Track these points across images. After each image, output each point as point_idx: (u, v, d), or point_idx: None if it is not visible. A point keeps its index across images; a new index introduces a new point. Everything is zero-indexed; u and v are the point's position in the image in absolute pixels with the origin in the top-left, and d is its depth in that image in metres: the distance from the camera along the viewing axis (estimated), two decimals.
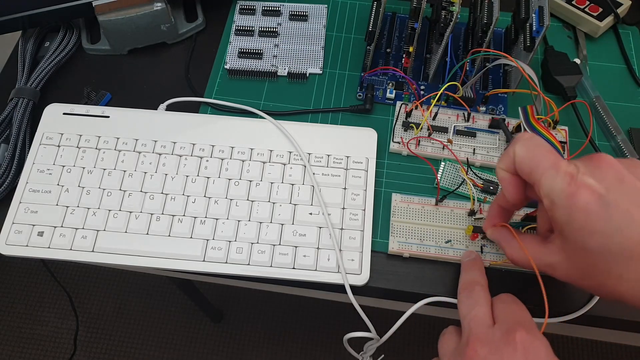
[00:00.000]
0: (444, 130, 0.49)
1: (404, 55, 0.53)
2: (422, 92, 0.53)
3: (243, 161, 0.48)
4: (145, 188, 0.47)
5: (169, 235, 0.45)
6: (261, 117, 0.51)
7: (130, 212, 0.45)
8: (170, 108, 0.52)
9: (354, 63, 0.56)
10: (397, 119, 0.50)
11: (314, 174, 0.47)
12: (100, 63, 0.57)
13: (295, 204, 0.46)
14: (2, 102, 0.53)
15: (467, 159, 0.48)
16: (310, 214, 0.45)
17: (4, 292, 1.25)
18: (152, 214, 0.45)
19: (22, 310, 1.23)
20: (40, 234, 0.45)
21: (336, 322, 1.19)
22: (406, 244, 0.44)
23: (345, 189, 0.46)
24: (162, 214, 0.46)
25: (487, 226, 0.40)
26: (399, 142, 0.49)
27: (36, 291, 1.25)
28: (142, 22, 0.53)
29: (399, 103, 0.51)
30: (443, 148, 0.49)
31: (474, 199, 0.45)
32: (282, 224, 0.45)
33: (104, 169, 0.47)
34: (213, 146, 0.48)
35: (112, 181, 0.47)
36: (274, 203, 0.46)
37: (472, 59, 0.50)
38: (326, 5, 0.59)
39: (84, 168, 0.47)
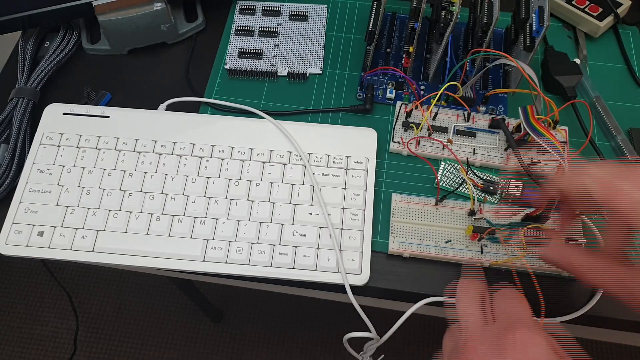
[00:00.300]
0: (444, 130, 0.49)
1: (404, 55, 0.53)
2: (422, 92, 0.53)
3: (243, 161, 0.48)
4: (145, 188, 0.47)
5: (169, 235, 0.45)
6: (261, 117, 0.51)
7: (130, 212, 0.45)
8: (170, 108, 0.52)
9: (354, 63, 0.56)
10: (397, 119, 0.50)
11: (314, 174, 0.47)
12: (100, 63, 0.57)
13: (295, 204, 0.46)
14: (2, 102, 0.53)
15: (467, 159, 0.48)
16: (310, 214, 0.45)
17: (4, 292, 1.25)
18: (152, 214, 0.45)
19: (22, 310, 1.23)
20: (40, 234, 0.45)
21: (336, 322, 1.19)
22: (406, 244, 0.44)
23: (345, 189, 0.46)
24: (162, 214, 0.46)
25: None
26: (399, 142, 0.49)
27: (36, 291, 1.25)
28: (142, 22, 0.53)
29: (399, 103, 0.51)
30: (443, 148, 0.49)
31: (474, 199, 0.45)
32: (282, 224, 0.45)
33: (104, 169, 0.47)
34: (213, 146, 0.48)
35: (112, 181, 0.47)
36: (274, 203, 0.46)
37: (472, 59, 0.50)
38: (326, 5, 0.59)
39: (84, 168, 0.47)
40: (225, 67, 0.55)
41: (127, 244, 0.44)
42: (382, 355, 0.50)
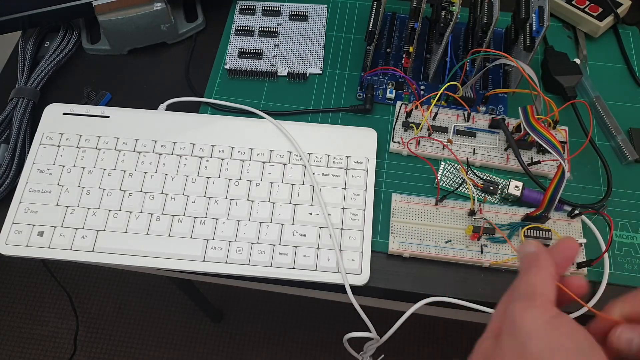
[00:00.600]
0: (444, 130, 0.49)
1: (404, 55, 0.53)
2: (422, 92, 0.53)
3: (243, 161, 0.48)
4: (145, 188, 0.47)
5: (169, 235, 0.45)
6: (261, 117, 0.51)
7: (130, 212, 0.45)
8: (170, 108, 0.52)
9: (354, 63, 0.56)
10: (397, 119, 0.50)
11: (314, 174, 0.47)
12: (100, 63, 0.57)
13: (295, 204, 0.46)
14: (2, 102, 0.53)
15: (467, 159, 0.48)
16: (310, 214, 0.45)
17: (4, 292, 1.25)
18: (152, 214, 0.45)
19: (22, 310, 1.23)
20: (40, 234, 0.45)
21: (336, 322, 1.19)
22: (406, 244, 0.44)
23: (345, 189, 0.46)
24: (162, 214, 0.46)
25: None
26: (399, 142, 0.49)
27: (36, 291, 1.25)
28: (142, 22, 0.53)
29: (399, 103, 0.51)
30: (443, 148, 0.49)
31: (474, 199, 0.45)
32: (282, 224, 0.45)
33: (104, 169, 0.47)
34: (213, 146, 0.48)
35: (112, 181, 0.47)
36: (274, 203, 0.46)
37: (472, 59, 0.50)
38: (326, 5, 0.59)
39: (84, 168, 0.47)
40: (225, 67, 0.55)
41: (127, 244, 0.44)
42: (382, 355, 0.50)
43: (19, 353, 1.18)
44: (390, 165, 0.49)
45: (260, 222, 0.45)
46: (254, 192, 0.46)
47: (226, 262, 0.44)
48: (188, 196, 0.46)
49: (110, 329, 1.20)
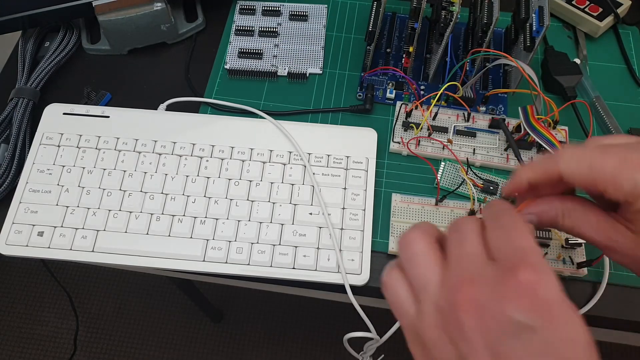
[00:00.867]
0: (444, 130, 0.49)
1: (404, 55, 0.53)
2: (422, 92, 0.53)
3: (243, 161, 0.48)
4: (145, 188, 0.47)
5: (169, 235, 0.45)
6: (261, 117, 0.51)
7: (130, 212, 0.45)
8: (170, 108, 0.52)
9: (354, 63, 0.56)
10: (397, 119, 0.50)
11: (314, 174, 0.47)
12: (100, 63, 0.57)
13: (295, 204, 0.46)
14: (2, 102, 0.53)
15: (467, 159, 0.48)
16: (310, 214, 0.45)
17: (4, 292, 1.25)
18: (152, 214, 0.45)
19: (22, 310, 1.23)
20: (40, 234, 0.45)
21: (336, 322, 1.19)
22: None
23: (345, 189, 0.46)
24: (162, 214, 0.46)
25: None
26: (399, 142, 0.49)
27: (36, 291, 1.25)
28: (142, 22, 0.53)
29: (399, 103, 0.51)
30: (443, 148, 0.49)
31: (474, 199, 0.45)
32: (282, 224, 0.45)
33: (104, 169, 0.47)
34: (213, 146, 0.48)
35: (112, 181, 0.47)
36: (274, 203, 0.46)
37: (472, 59, 0.50)
38: (326, 5, 0.59)
39: (84, 168, 0.47)
40: (225, 67, 0.55)
41: (127, 244, 0.44)
42: (382, 355, 0.50)
43: (19, 353, 1.18)
44: (390, 165, 0.49)
45: (260, 222, 0.45)
46: (254, 192, 0.46)
47: (226, 262, 0.44)
48: (188, 196, 0.46)
49: (110, 329, 1.20)
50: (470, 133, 0.49)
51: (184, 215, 0.45)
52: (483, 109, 0.52)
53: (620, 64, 0.56)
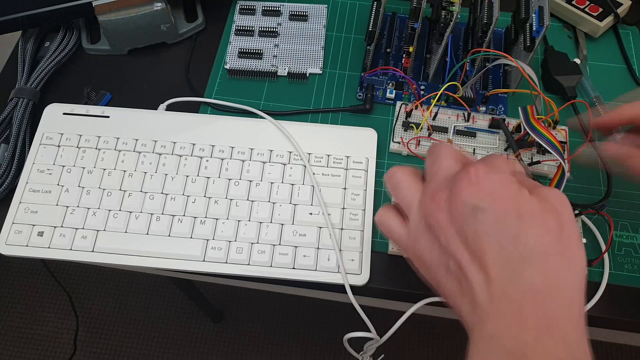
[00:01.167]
0: (444, 130, 0.49)
1: (404, 55, 0.53)
2: (422, 92, 0.53)
3: (243, 161, 0.48)
4: (145, 188, 0.47)
5: (169, 235, 0.45)
6: (261, 117, 0.51)
7: (130, 212, 0.45)
8: (170, 108, 0.52)
9: (354, 63, 0.56)
10: (397, 119, 0.50)
11: (314, 174, 0.47)
12: (100, 63, 0.57)
13: (295, 204, 0.46)
14: (2, 102, 0.53)
15: None
16: (310, 214, 0.45)
17: (4, 292, 1.25)
18: (152, 214, 0.45)
19: (22, 310, 1.23)
20: (40, 234, 0.45)
21: (336, 322, 1.19)
22: None
23: (345, 189, 0.46)
24: (162, 214, 0.46)
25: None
26: (399, 142, 0.49)
27: (36, 291, 1.25)
28: (142, 22, 0.53)
29: (399, 103, 0.51)
30: None
31: None
32: (282, 224, 0.45)
33: (104, 169, 0.47)
34: (213, 146, 0.48)
35: (112, 181, 0.47)
36: (274, 203, 0.46)
37: (472, 59, 0.50)
38: (326, 5, 0.59)
39: (84, 168, 0.47)
40: (225, 67, 0.55)
41: (127, 244, 0.44)
42: (382, 355, 0.50)
43: (19, 353, 1.18)
44: (390, 165, 0.49)
45: (260, 222, 0.45)
46: (254, 192, 0.46)
47: (226, 262, 0.44)
48: (188, 196, 0.46)
49: (110, 329, 1.20)
50: (470, 133, 0.49)
51: (184, 215, 0.45)
52: (483, 109, 0.52)
53: (620, 64, 0.56)
